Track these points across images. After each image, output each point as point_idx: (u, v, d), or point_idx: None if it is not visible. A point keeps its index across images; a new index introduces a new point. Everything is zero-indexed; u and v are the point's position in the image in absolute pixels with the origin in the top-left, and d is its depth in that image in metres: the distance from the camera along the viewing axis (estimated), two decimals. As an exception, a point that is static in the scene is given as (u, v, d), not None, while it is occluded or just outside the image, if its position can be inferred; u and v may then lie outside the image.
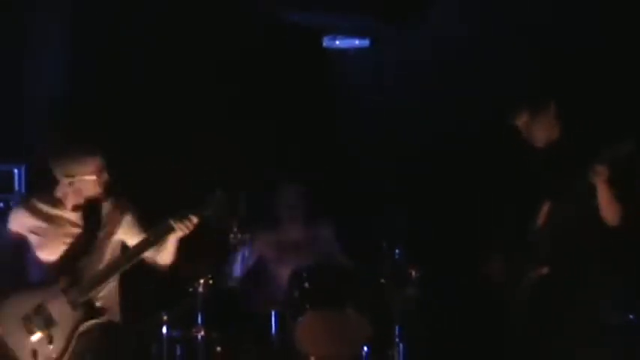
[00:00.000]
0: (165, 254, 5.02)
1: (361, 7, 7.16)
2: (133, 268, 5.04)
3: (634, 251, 5.56)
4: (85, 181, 4.92)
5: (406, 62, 7.33)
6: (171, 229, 4.92)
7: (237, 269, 6.50)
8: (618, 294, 5.32)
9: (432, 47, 7.14)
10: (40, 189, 5.16)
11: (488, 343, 6.09)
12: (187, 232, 4.93)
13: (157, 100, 6.98)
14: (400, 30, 7.27)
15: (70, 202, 4.98)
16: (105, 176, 4.95)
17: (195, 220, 4.91)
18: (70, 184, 4.93)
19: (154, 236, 4.94)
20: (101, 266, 4.92)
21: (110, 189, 5.01)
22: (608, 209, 4.95)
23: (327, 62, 7.75)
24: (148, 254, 5.01)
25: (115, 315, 5.02)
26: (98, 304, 4.90)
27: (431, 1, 7.12)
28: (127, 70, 6.94)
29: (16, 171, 6.35)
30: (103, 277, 4.89)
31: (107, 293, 4.96)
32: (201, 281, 5.97)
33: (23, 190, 6.32)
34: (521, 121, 5.20)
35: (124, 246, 5.05)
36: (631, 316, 5.77)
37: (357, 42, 7.62)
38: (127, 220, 5.04)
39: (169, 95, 7.03)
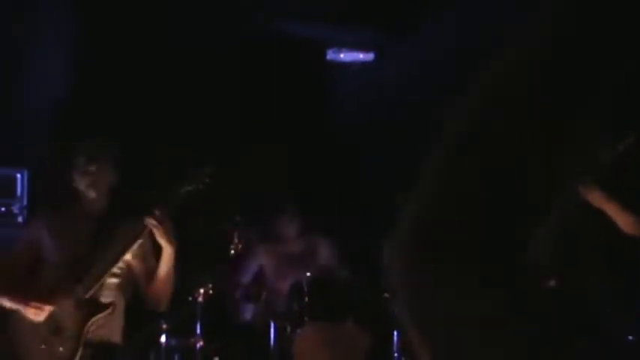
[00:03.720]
0: (162, 269, 5.00)
1: (365, 20, 7.16)
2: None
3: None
4: (74, 174, 5.00)
5: (410, 76, 7.33)
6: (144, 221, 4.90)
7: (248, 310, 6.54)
8: (619, 310, 5.28)
9: (435, 60, 7.14)
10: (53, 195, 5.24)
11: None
12: (158, 224, 4.86)
13: (157, 103, 6.98)
14: (404, 43, 7.28)
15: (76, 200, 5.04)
16: (90, 170, 4.95)
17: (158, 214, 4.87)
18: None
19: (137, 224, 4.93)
20: (101, 263, 4.91)
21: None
22: (618, 222, 4.76)
23: (331, 75, 7.75)
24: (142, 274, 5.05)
25: (116, 336, 5.02)
26: (103, 300, 4.89)
27: (433, 14, 7.13)
28: (127, 72, 6.94)
29: (18, 176, 6.34)
30: (102, 271, 4.88)
31: (112, 315, 4.95)
32: (201, 291, 5.96)
33: (25, 195, 6.31)
34: None
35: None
36: (630, 337, 5.75)
37: (361, 55, 7.62)
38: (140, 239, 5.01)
39: (168, 101, 7.03)
